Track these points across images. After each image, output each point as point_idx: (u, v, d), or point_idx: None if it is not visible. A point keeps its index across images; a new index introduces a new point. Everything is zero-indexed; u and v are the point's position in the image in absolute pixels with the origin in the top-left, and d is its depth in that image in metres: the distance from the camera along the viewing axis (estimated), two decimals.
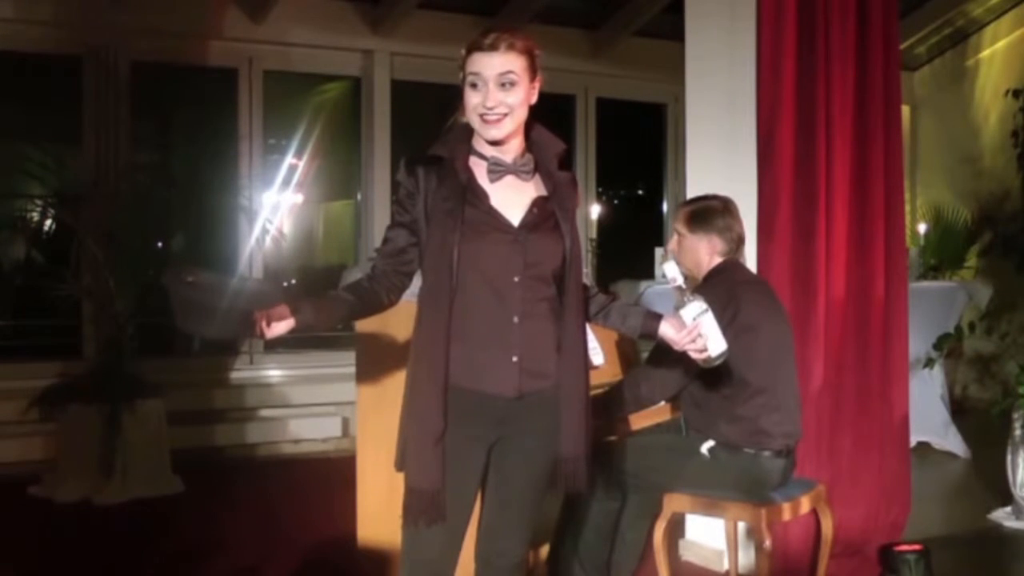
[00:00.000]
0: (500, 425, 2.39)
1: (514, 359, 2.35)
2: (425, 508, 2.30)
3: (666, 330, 2.50)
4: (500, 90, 2.32)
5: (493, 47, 2.33)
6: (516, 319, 2.34)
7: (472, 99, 2.34)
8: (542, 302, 2.38)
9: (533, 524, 2.55)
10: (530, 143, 2.43)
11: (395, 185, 2.42)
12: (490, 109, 2.32)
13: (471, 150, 2.40)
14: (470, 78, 2.34)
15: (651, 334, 2.54)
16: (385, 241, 2.42)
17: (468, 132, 2.41)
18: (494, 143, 2.38)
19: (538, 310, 2.38)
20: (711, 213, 3.42)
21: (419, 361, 2.33)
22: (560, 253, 2.38)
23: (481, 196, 2.36)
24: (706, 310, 2.48)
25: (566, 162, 2.52)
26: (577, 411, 2.41)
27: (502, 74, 2.32)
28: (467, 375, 2.33)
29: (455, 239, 2.29)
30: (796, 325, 3.71)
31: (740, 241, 3.46)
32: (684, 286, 2.51)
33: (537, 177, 2.43)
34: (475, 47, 2.35)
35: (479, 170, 2.40)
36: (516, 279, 2.34)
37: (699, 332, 2.46)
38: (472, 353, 2.33)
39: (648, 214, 8.75)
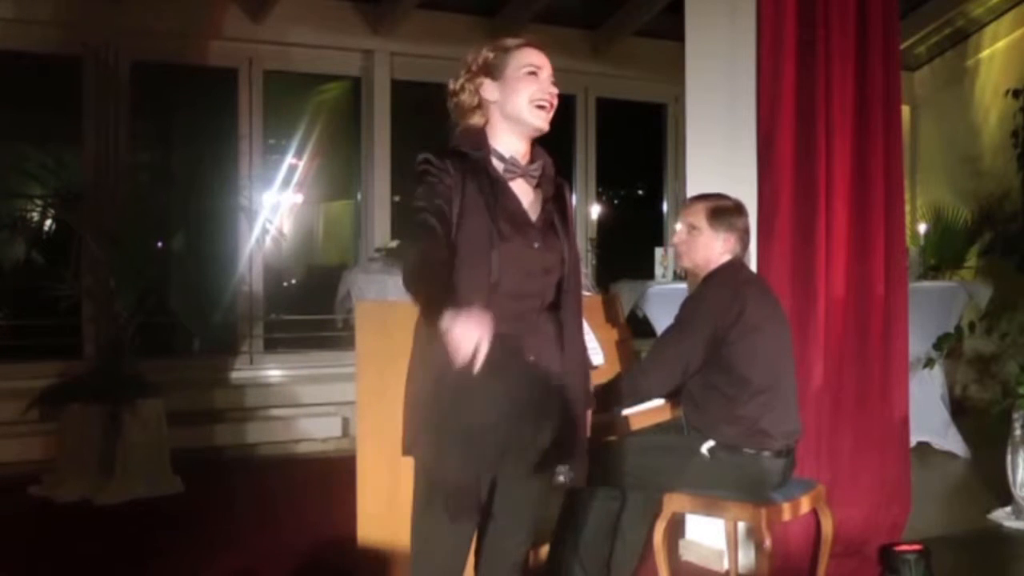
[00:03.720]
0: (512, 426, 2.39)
1: (531, 359, 2.38)
2: (456, 500, 2.30)
3: None
4: (552, 82, 2.43)
5: (542, 47, 2.46)
6: (535, 318, 2.39)
7: (531, 86, 2.40)
8: (551, 302, 2.44)
9: (535, 523, 2.56)
10: (533, 153, 2.49)
11: (423, 171, 2.34)
12: (552, 95, 2.41)
13: (492, 150, 2.43)
14: (527, 68, 2.41)
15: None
16: (436, 211, 2.30)
17: (484, 133, 2.45)
18: (524, 136, 2.43)
19: (550, 311, 2.43)
20: (730, 211, 3.44)
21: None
22: (561, 255, 2.44)
23: (511, 195, 2.40)
24: None
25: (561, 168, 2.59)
26: (579, 408, 2.46)
27: (553, 72, 2.45)
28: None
29: (495, 233, 2.31)
30: (796, 325, 3.72)
31: (747, 243, 3.50)
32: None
33: (539, 185, 2.48)
34: (523, 44, 2.44)
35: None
36: (534, 279, 2.39)
37: None
38: (494, 351, 2.31)
39: (648, 214, 8.74)
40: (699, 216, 3.43)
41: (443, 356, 2.15)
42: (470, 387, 2.25)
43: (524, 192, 2.44)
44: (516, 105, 2.40)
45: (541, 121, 2.41)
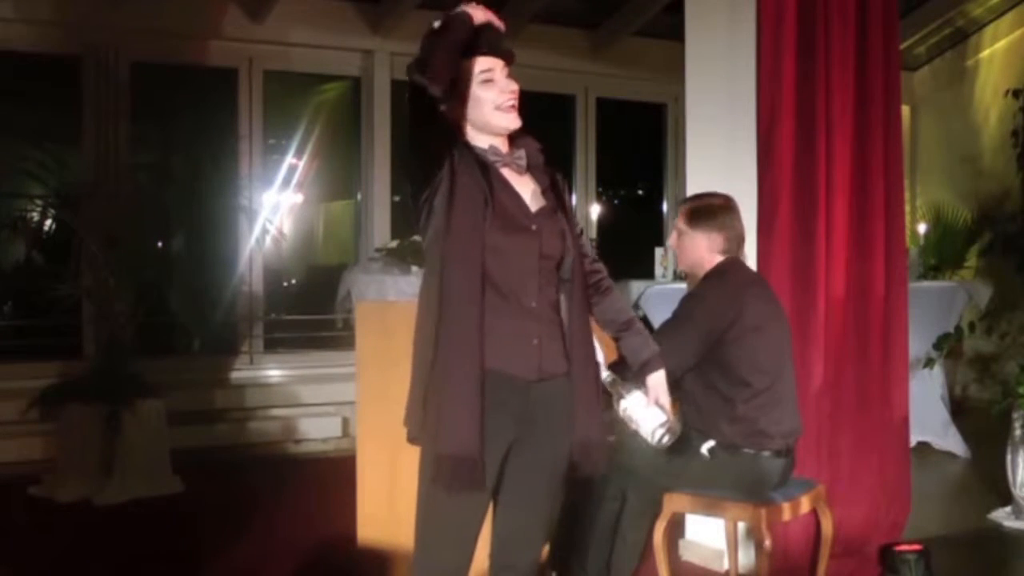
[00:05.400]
0: (518, 422, 2.39)
1: (535, 342, 2.39)
2: (462, 473, 2.26)
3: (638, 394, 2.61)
4: (508, 79, 2.44)
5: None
6: (535, 303, 2.40)
7: (490, 92, 2.41)
8: (553, 289, 2.44)
9: (548, 528, 2.56)
10: (514, 142, 2.51)
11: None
12: (512, 92, 2.42)
13: (472, 146, 2.45)
14: (482, 77, 2.41)
15: (640, 375, 2.61)
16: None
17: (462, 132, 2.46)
18: (498, 135, 2.45)
19: (550, 296, 2.44)
20: (713, 210, 3.42)
21: (450, 345, 2.30)
22: (562, 242, 2.45)
23: (505, 183, 2.42)
24: (628, 404, 2.63)
25: (553, 161, 2.60)
26: (589, 395, 2.46)
27: (504, 66, 2.45)
28: (492, 356, 2.33)
29: (486, 220, 2.33)
30: (796, 325, 3.72)
31: (741, 240, 3.47)
32: (613, 380, 2.64)
33: (529, 172, 2.49)
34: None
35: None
36: (533, 266, 2.40)
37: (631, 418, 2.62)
38: (496, 335, 2.34)
39: (648, 214, 8.75)
40: (681, 219, 3.46)
41: (452, 351, 2.27)
42: (479, 369, 2.29)
43: (515, 180, 2.45)
44: (482, 114, 2.42)
45: (509, 122, 2.44)
